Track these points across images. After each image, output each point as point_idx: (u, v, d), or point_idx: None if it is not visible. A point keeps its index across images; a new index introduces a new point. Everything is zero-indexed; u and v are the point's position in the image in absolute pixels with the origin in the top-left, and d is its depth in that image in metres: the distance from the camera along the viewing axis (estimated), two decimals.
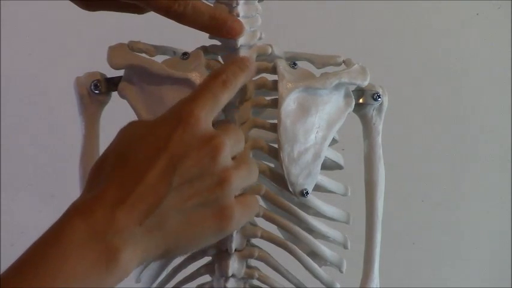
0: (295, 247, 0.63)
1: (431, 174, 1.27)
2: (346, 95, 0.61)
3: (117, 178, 0.46)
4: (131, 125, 0.51)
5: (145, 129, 0.49)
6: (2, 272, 0.42)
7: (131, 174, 0.46)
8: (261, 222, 0.63)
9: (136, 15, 0.60)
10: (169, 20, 0.55)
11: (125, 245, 0.44)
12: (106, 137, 0.64)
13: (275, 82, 0.59)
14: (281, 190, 0.62)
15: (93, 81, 0.61)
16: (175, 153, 0.47)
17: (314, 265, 0.64)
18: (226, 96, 0.52)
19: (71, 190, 0.67)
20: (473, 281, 1.30)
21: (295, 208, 0.62)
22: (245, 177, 0.51)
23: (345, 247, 0.66)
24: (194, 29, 0.55)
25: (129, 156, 0.47)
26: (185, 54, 0.59)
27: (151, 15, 0.57)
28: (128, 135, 0.49)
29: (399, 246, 1.24)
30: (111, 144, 0.50)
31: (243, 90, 0.59)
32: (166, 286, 0.66)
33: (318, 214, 0.64)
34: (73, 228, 0.43)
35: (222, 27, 0.55)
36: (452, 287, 1.31)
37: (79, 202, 0.46)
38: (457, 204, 1.30)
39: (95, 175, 0.48)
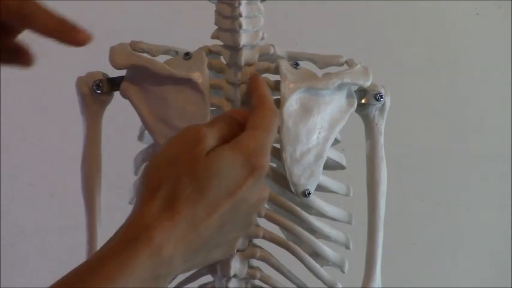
0: (297, 247, 0.63)
1: (431, 174, 1.27)
2: (349, 95, 0.61)
3: (189, 210, 0.47)
4: (204, 136, 0.49)
5: (224, 159, 0.48)
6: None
7: (201, 210, 0.47)
8: (263, 223, 0.63)
9: (136, 15, 0.60)
10: (171, 20, 0.54)
11: (168, 277, 0.47)
12: (108, 136, 0.64)
13: (277, 82, 0.59)
14: (283, 190, 0.61)
15: (95, 81, 0.61)
16: (238, 200, 0.48)
17: (316, 265, 0.64)
18: None
19: (71, 190, 0.67)
20: (473, 281, 1.30)
21: (297, 208, 0.62)
22: None
23: (347, 247, 0.67)
24: (196, 30, 0.55)
25: (206, 188, 0.47)
26: (187, 54, 0.59)
27: (152, 16, 0.57)
28: (202, 154, 0.48)
29: (399, 246, 1.24)
30: (173, 143, 0.49)
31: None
32: (168, 286, 0.66)
33: (320, 214, 0.64)
34: (140, 266, 0.44)
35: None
36: (452, 287, 1.31)
37: (148, 225, 0.46)
38: (457, 204, 1.30)
39: (160, 179, 0.48)
